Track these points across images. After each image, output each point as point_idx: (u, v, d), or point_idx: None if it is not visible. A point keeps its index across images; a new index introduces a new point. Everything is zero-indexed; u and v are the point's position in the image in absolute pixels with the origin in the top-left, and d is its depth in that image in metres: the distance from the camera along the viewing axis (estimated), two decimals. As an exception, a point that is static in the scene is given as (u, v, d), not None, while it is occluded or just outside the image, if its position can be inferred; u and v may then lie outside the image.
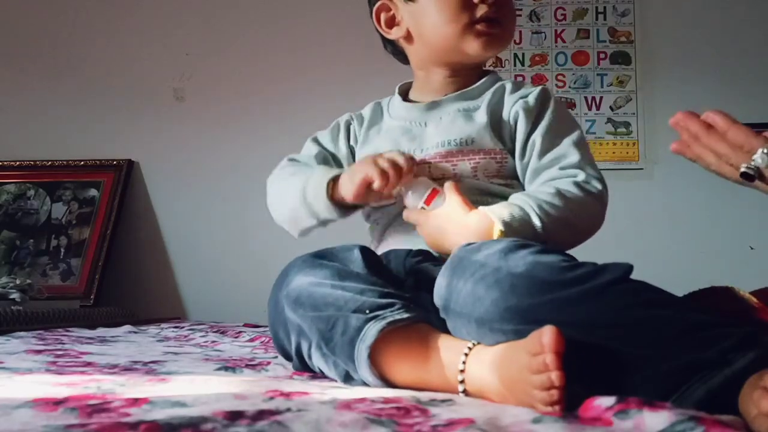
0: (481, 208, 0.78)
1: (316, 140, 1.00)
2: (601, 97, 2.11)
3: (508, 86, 0.91)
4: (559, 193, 0.79)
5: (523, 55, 2.16)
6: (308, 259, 0.73)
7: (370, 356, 0.61)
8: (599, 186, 0.82)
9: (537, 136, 0.86)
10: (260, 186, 2.18)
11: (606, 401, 0.48)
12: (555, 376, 0.48)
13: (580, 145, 0.87)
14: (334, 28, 2.14)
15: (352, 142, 0.98)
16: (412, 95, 0.98)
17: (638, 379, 0.53)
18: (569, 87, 2.11)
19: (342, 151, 0.97)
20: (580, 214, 0.80)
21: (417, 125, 0.92)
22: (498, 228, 0.74)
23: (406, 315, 0.62)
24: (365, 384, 0.63)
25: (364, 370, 0.62)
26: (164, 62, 2.21)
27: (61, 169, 2.16)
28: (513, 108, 0.88)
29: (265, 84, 2.17)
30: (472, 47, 0.88)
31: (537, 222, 0.75)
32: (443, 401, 0.52)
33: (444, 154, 0.87)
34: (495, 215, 0.75)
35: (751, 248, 1.95)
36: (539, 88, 0.91)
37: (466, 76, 0.94)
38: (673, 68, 2.08)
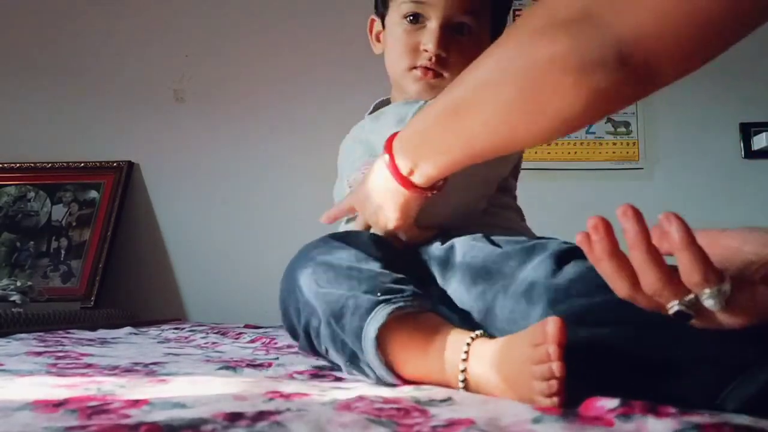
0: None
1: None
2: (601, 97, 2.11)
3: None
4: None
5: (522, 55, 2.16)
6: (328, 240, 0.73)
7: (377, 338, 0.60)
8: None
9: None
10: (260, 187, 2.20)
11: (609, 403, 0.47)
12: (556, 366, 0.48)
13: None
14: (334, 30, 2.14)
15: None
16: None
17: (682, 384, 0.52)
18: (569, 87, 2.12)
19: None
20: None
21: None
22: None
23: (416, 302, 0.62)
24: (369, 369, 0.63)
25: (370, 353, 0.61)
26: (164, 64, 2.21)
27: (61, 171, 2.16)
28: None
29: (265, 85, 2.17)
30: (412, 89, 0.92)
31: None
32: (443, 401, 0.52)
33: None
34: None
35: (752, 248, 1.95)
36: None
37: None
38: (673, 68, 2.08)
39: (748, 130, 2.06)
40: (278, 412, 0.46)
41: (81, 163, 2.17)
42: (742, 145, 2.06)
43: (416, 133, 0.68)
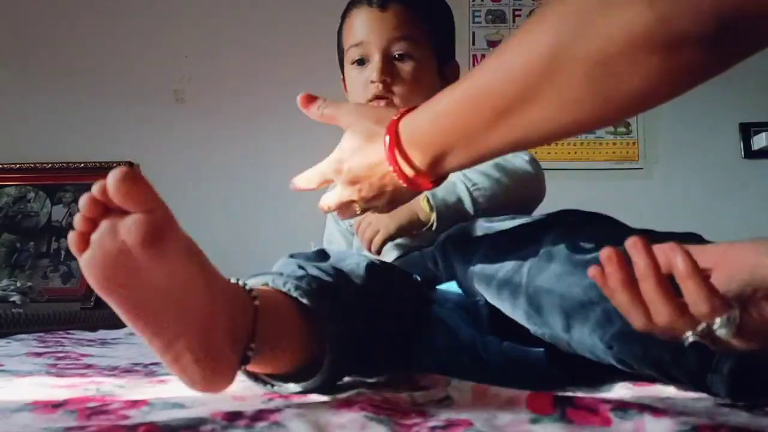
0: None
1: None
2: (601, 97, 2.11)
3: None
4: (493, 166, 0.90)
5: (522, 55, 2.16)
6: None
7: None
8: (527, 158, 0.95)
9: None
10: (260, 188, 2.20)
11: (606, 398, 0.47)
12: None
13: None
14: (334, 31, 2.14)
15: None
16: None
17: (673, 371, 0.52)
18: (569, 87, 2.12)
19: None
20: (512, 179, 0.90)
21: None
22: (425, 195, 0.86)
23: (283, 282, 0.56)
24: None
25: None
26: (164, 64, 2.21)
27: (62, 172, 2.16)
28: None
29: (265, 85, 2.17)
30: None
31: (462, 186, 0.87)
32: (440, 401, 0.52)
33: None
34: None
35: (752, 247, 1.95)
36: None
37: None
38: (673, 68, 2.08)
39: (747, 130, 2.06)
40: (277, 412, 0.46)
41: (81, 163, 2.17)
42: (741, 144, 2.06)
43: (447, 126, 0.56)
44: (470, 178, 0.88)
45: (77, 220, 0.44)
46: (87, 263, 0.44)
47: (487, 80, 0.52)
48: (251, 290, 0.53)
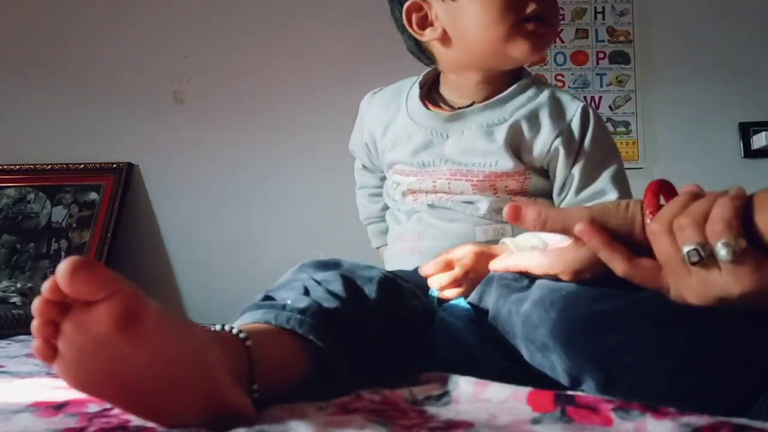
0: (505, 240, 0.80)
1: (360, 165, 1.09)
2: (601, 97, 2.11)
3: (545, 109, 0.87)
4: None
5: (522, 55, 2.16)
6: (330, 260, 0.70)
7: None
8: None
9: (576, 171, 0.86)
10: (260, 188, 2.19)
11: (607, 398, 0.47)
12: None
13: (618, 178, 0.88)
14: (333, 31, 2.14)
15: (368, 133, 1.00)
16: (439, 89, 0.95)
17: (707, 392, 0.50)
18: (568, 87, 2.12)
19: (372, 155, 1.03)
20: None
21: (438, 136, 0.89)
22: None
23: (274, 317, 0.55)
24: None
25: None
26: (164, 65, 2.21)
27: (61, 173, 2.16)
28: (554, 143, 0.86)
29: (264, 86, 2.17)
30: (520, 50, 0.82)
31: None
32: (439, 398, 0.52)
33: (465, 173, 0.87)
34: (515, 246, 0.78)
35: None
36: (580, 110, 0.87)
37: (498, 82, 0.90)
38: (672, 67, 2.08)
39: (747, 130, 2.05)
40: (277, 413, 0.46)
41: (81, 164, 2.17)
42: (741, 144, 2.06)
43: None
44: None
45: (35, 328, 0.39)
46: (63, 370, 0.40)
47: None
48: (240, 332, 0.50)
